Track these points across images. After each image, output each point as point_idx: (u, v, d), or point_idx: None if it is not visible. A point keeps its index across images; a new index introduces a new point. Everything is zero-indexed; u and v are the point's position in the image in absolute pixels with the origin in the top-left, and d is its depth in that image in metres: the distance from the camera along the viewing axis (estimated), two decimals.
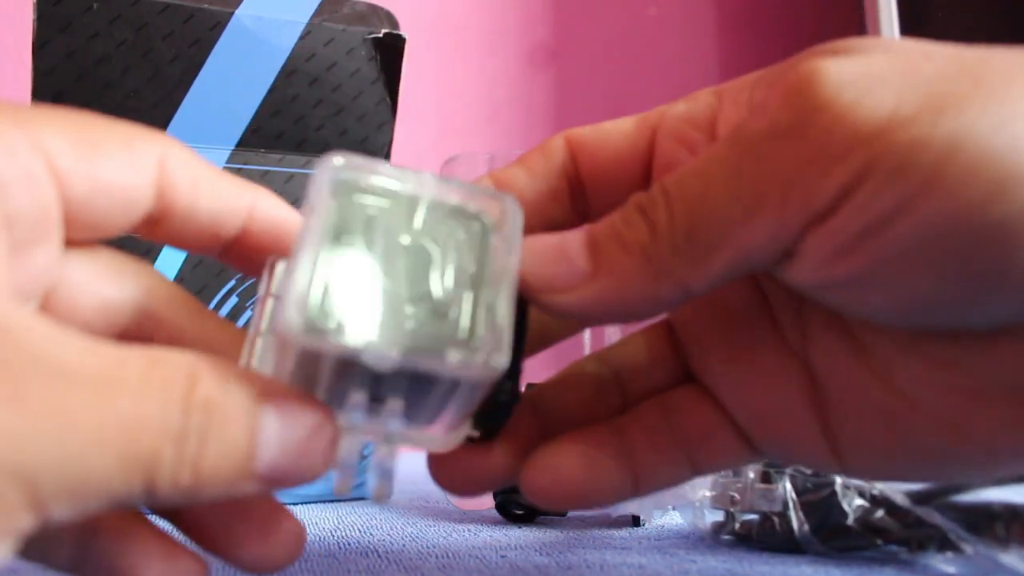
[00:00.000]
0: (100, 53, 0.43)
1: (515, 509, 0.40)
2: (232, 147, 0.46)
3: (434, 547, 0.34)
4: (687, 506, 0.35)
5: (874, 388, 0.21)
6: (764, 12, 1.06)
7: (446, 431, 0.21)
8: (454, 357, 0.18)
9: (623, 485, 0.23)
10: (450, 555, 0.32)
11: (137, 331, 0.22)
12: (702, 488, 0.35)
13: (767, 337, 0.23)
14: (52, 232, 0.20)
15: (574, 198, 0.25)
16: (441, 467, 0.24)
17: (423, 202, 0.20)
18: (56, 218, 0.20)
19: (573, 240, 0.21)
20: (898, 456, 0.22)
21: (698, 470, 0.24)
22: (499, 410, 0.22)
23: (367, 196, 0.20)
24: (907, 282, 0.19)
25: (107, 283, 0.22)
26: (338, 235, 0.19)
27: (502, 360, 0.18)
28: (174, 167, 0.22)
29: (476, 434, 0.22)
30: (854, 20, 0.91)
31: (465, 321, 0.19)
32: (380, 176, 0.20)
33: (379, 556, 0.32)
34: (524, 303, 0.21)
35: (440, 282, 0.19)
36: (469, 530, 0.38)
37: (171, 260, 0.44)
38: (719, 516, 0.35)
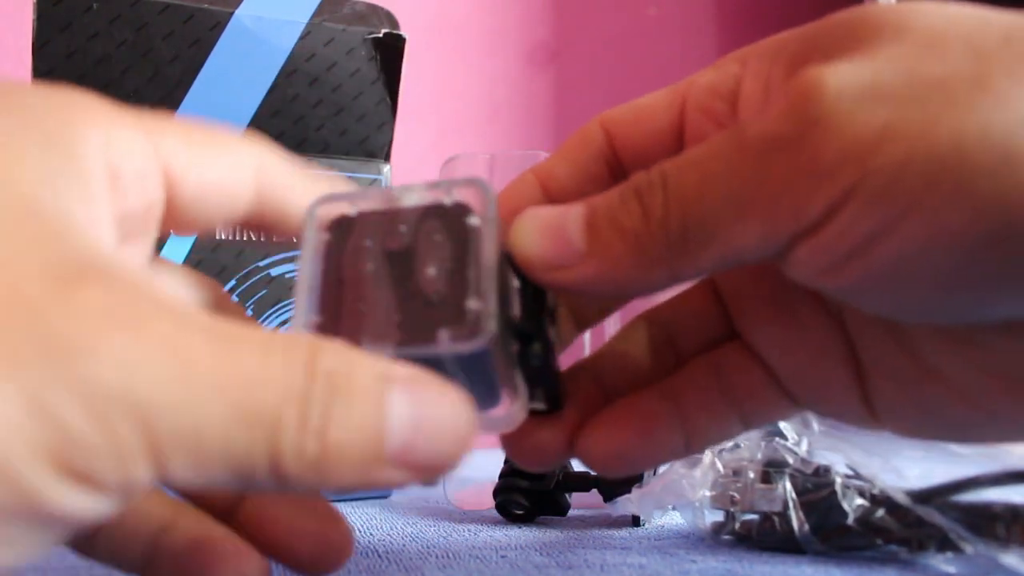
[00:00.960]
0: (100, 53, 0.43)
1: (515, 509, 0.40)
2: None
3: (434, 547, 0.34)
4: (687, 506, 0.35)
5: (903, 360, 0.22)
6: (764, 12, 1.06)
7: (503, 409, 0.22)
8: (444, 335, 0.19)
9: (677, 446, 0.24)
10: (450, 555, 0.32)
11: None
12: (702, 488, 0.35)
13: (807, 298, 0.24)
14: (152, 227, 0.21)
15: (616, 180, 0.25)
16: (512, 444, 0.24)
17: (401, 212, 0.21)
18: (158, 214, 0.21)
19: (573, 217, 0.21)
20: (929, 423, 0.23)
21: (747, 424, 0.25)
22: (541, 376, 0.22)
23: (354, 224, 0.22)
24: (900, 292, 0.19)
25: (185, 290, 0.23)
26: (333, 263, 0.21)
27: (490, 323, 0.19)
28: (271, 172, 0.23)
29: (541, 406, 0.23)
30: None
31: (453, 302, 0.20)
32: (361, 200, 0.22)
33: (379, 556, 0.32)
34: None
35: (426, 275, 0.20)
36: (469, 530, 0.38)
37: (177, 249, 0.44)
38: (719, 516, 0.35)
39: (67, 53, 0.42)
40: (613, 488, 0.39)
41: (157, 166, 0.21)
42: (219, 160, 0.22)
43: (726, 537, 0.34)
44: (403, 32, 0.49)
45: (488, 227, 0.21)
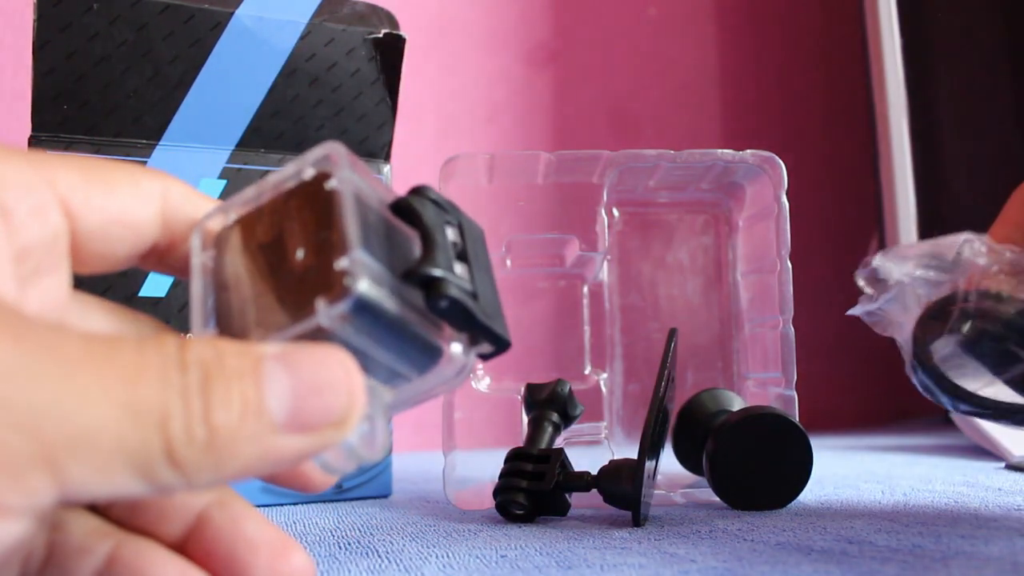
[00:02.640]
0: (100, 53, 0.43)
1: (515, 509, 0.40)
2: (232, 147, 0.46)
3: (434, 547, 0.34)
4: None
5: None
6: (764, 12, 1.06)
7: (444, 361, 0.22)
8: (320, 303, 0.19)
9: None
10: (450, 555, 0.32)
11: None
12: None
13: None
14: (61, 263, 0.21)
15: None
16: None
17: (270, 204, 0.21)
18: (64, 250, 0.21)
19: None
20: None
21: None
22: (464, 318, 0.21)
23: (232, 231, 0.22)
24: None
25: (106, 324, 0.23)
26: (218, 277, 0.21)
27: (359, 271, 0.19)
28: (176, 201, 0.23)
29: (487, 349, 0.22)
30: (854, 20, 0.91)
31: (324, 270, 0.19)
32: (233, 208, 0.22)
33: (379, 556, 0.32)
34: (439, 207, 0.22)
35: (297, 254, 0.20)
36: (469, 530, 0.38)
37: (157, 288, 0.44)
38: None
39: (67, 53, 0.42)
40: (613, 487, 0.39)
41: (53, 199, 0.21)
42: (119, 192, 0.22)
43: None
44: (403, 32, 0.49)
45: (345, 184, 0.20)
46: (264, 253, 0.21)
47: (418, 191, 0.22)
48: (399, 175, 0.52)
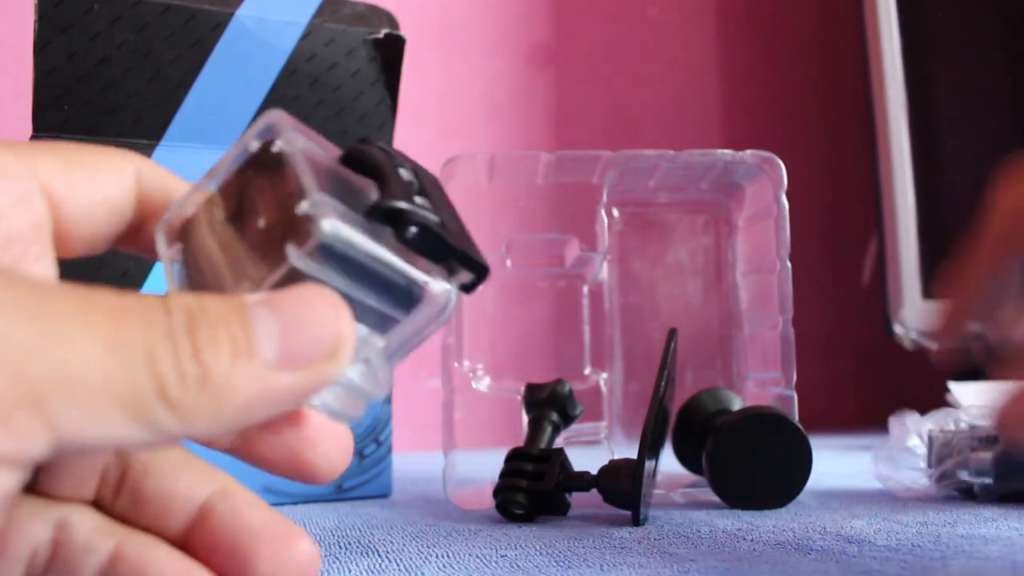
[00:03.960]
0: (101, 54, 0.43)
1: (515, 509, 0.40)
2: None
3: (434, 547, 0.34)
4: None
5: None
6: (764, 12, 1.06)
7: (427, 295, 0.22)
8: (290, 248, 0.19)
9: None
10: (450, 555, 0.32)
11: None
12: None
13: None
14: (46, 250, 0.21)
15: None
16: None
17: (225, 184, 0.22)
18: (48, 236, 0.21)
19: None
20: None
21: None
22: (438, 248, 0.22)
23: (197, 218, 0.22)
24: None
25: None
26: (191, 263, 0.22)
27: (322, 209, 0.19)
28: (148, 179, 0.24)
29: (468, 278, 0.22)
30: (854, 20, 0.91)
31: (288, 219, 0.19)
32: (192, 196, 0.22)
33: (379, 556, 0.32)
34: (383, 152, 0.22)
35: (260, 215, 0.20)
36: (469, 530, 0.38)
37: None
38: None
39: (68, 54, 0.42)
40: (613, 487, 0.39)
41: (36, 187, 0.21)
42: (100, 175, 0.23)
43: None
44: (403, 33, 0.49)
45: (291, 143, 0.21)
46: (230, 226, 0.21)
47: (364, 141, 0.23)
48: None
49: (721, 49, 1.04)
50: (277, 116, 0.21)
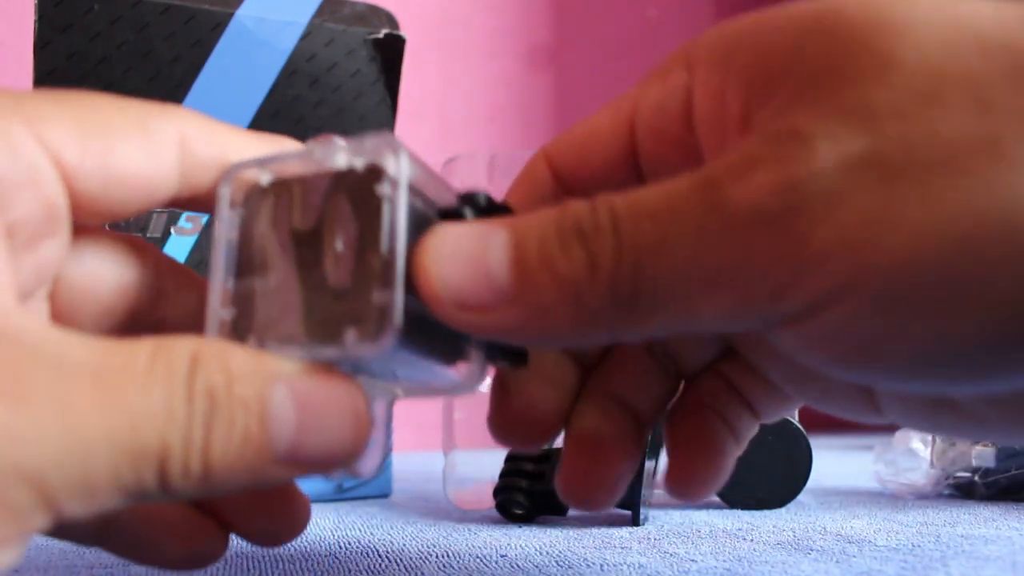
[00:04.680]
0: (101, 54, 0.43)
1: (515, 509, 0.40)
2: None
3: (434, 547, 0.34)
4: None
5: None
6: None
7: (459, 372, 0.20)
8: (350, 335, 0.17)
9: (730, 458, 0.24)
10: (450, 555, 0.32)
11: (149, 311, 0.22)
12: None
13: None
14: (60, 227, 0.19)
15: None
16: (501, 407, 0.23)
17: (313, 181, 0.19)
18: (64, 215, 0.19)
19: (496, 248, 0.18)
20: (929, 427, 0.22)
21: (760, 419, 0.24)
22: (488, 343, 0.20)
23: (267, 195, 0.20)
24: (900, 381, 0.18)
25: (115, 266, 0.22)
26: (244, 245, 0.19)
27: (397, 318, 0.17)
28: (197, 145, 0.20)
29: (503, 363, 0.21)
30: None
31: (358, 294, 0.18)
32: (275, 165, 0.20)
33: (379, 556, 0.32)
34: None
35: (332, 262, 0.18)
36: (469, 530, 0.38)
37: (178, 250, 0.44)
38: None
39: (68, 54, 0.42)
40: None
41: (47, 162, 0.18)
42: (125, 145, 0.19)
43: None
44: (403, 33, 0.49)
45: (399, 194, 0.18)
46: (298, 242, 0.19)
47: (469, 200, 0.20)
48: None
49: None
50: (395, 146, 0.18)
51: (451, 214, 0.19)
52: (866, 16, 0.17)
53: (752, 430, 0.24)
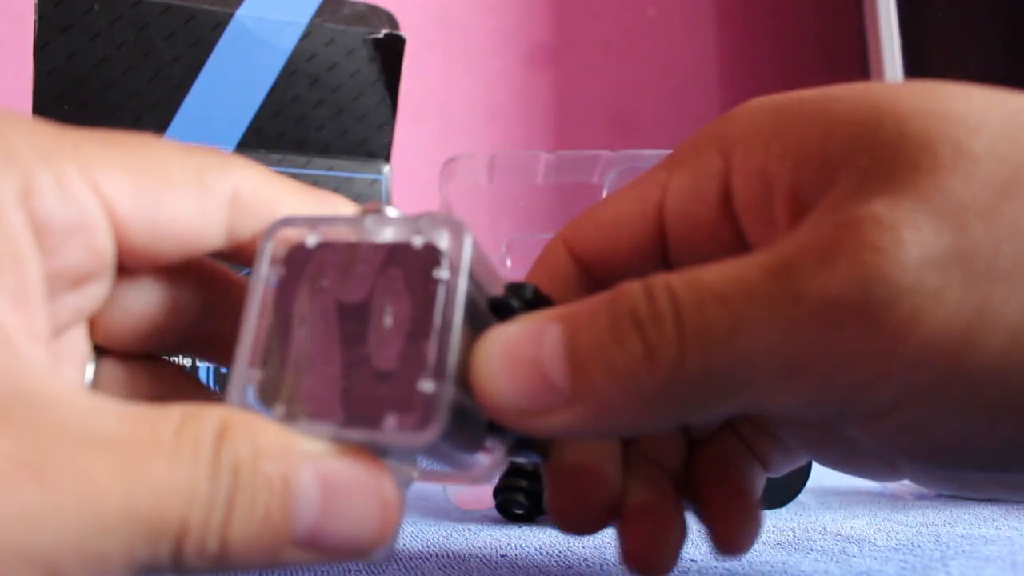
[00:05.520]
0: (101, 54, 0.43)
1: (515, 509, 0.40)
2: (233, 148, 0.46)
3: (434, 547, 0.34)
4: None
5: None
6: (764, 12, 1.06)
7: (481, 461, 0.20)
8: (390, 422, 0.17)
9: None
10: (450, 555, 0.32)
11: (198, 324, 0.22)
12: None
13: None
14: (105, 273, 0.19)
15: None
16: (556, 488, 0.22)
17: (364, 249, 0.18)
18: (111, 262, 0.19)
19: (551, 345, 0.17)
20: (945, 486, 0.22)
21: (773, 472, 0.25)
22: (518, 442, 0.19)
23: (312, 257, 0.18)
24: (956, 467, 0.18)
25: (161, 286, 0.21)
26: (283, 306, 0.18)
27: (443, 414, 0.16)
28: (249, 201, 0.20)
29: (523, 461, 0.21)
30: (854, 20, 0.91)
31: (405, 380, 0.17)
32: (324, 227, 0.19)
33: None
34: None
35: (379, 340, 0.17)
36: (469, 530, 0.38)
37: None
38: None
39: (68, 54, 0.42)
40: None
41: (100, 212, 0.18)
42: (179, 199, 0.19)
43: None
44: (403, 33, 0.49)
45: (459, 282, 0.17)
46: (341, 312, 0.18)
47: (516, 291, 0.19)
48: (399, 175, 0.52)
49: (721, 49, 1.04)
50: (463, 231, 0.17)
51: (500, 306, 0.19)
52: (927, 108, 0.17)
53: (762, 482, 0.24)
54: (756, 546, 0.33)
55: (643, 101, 1.00)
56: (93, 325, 0.21)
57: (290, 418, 0.17)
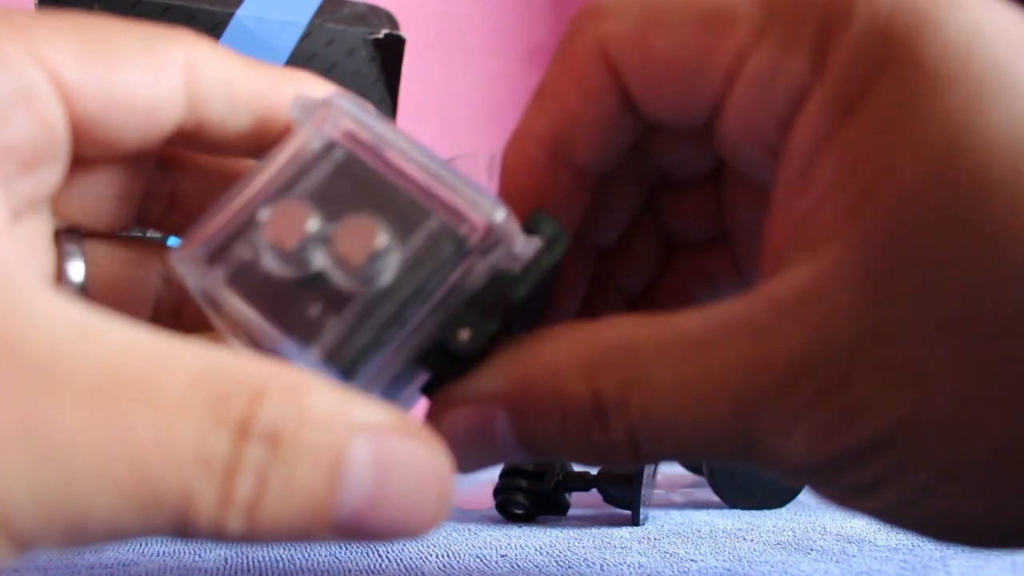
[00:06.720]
0: None
1: (515, 509, 0.40)
2: None
3: (434, 547, 0.34)
4: None
5: None
6: None
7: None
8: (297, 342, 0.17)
9: None
10: (450, 555, 0.32)
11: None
12: None
13: None
14: (59, 152, 0.17)
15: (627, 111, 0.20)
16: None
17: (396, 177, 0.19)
18: (63, 139, 0.17)
19: (502, 432, 0.18)
20: None
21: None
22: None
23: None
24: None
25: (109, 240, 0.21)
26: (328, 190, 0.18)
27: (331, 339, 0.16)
28: (205, 71, 0.19)
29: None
30: None
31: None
32: (384, 132, 0.19)
33: (379, 556, 0.32)
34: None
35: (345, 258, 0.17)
36: (469, 530, 0.38)
37: None
38: None
39: None
40: (612, 487, 0.39)
41: (43, 79, 0.16)
42: (130, 66, 0.18)
43: None
44: (404, 33, 0.49)
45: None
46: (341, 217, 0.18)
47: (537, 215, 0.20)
48: None
49: None
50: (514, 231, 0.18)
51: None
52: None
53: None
54: (756, 546, 0.33)
55: None
56: (59, 207, 0.19)
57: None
